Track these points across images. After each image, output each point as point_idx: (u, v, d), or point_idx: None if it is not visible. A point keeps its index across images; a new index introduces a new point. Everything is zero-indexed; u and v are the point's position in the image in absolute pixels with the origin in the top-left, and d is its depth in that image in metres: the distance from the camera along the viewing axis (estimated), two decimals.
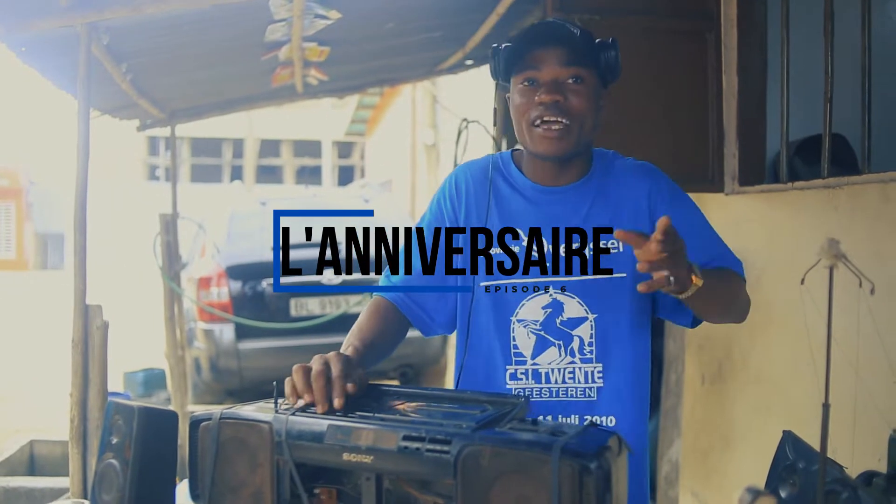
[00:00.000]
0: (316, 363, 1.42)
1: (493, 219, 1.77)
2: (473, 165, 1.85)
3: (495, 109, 1.94)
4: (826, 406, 1.03)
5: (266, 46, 3.78)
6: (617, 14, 3.00)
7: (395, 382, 6.44)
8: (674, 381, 3.67)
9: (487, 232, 1.76)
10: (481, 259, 1.76)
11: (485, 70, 1.83)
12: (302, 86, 4.82)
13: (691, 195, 3.42)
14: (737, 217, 3.19)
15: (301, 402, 1.38)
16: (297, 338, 6.20)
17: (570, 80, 1.66)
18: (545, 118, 1.66)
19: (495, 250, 1.75)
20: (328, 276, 6.51)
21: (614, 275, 1.71)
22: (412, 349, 6.37)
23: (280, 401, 1.41)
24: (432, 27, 4.26)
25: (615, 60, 1.71)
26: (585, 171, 1.78)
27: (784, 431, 1.40)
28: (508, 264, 1.74)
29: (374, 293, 1.84)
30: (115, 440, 1.61)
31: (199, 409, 1.53)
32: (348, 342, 1.66)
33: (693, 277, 1.47)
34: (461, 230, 1.79)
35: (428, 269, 1.81)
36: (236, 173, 24.27)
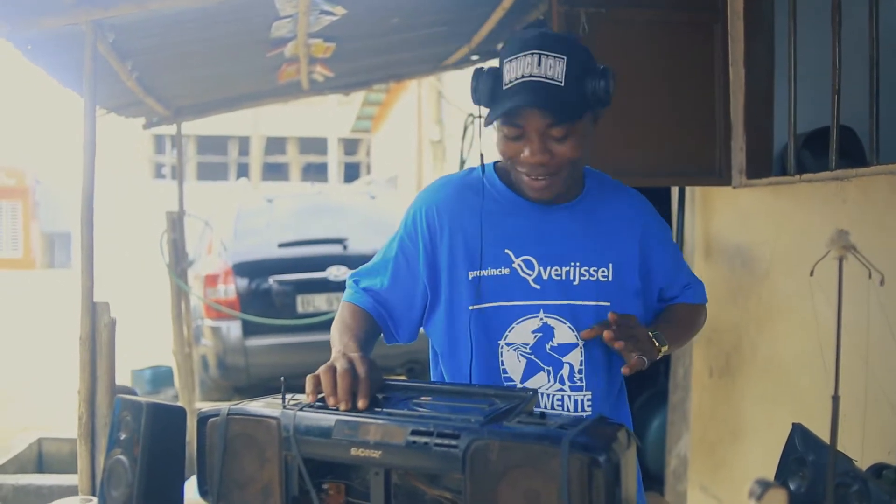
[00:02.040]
0: (340, 362, 1.42)
1: (479, 238, 1.69)
2: (450, 184, 1.77)
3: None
4: (836, 398, 1.02)
5: (271, 43, 3.78)
6: (622, 6, 2.98)
7: (403, 378, 6.44)
8: (681, 374, 3.66)
9: (475, 253, 1.68)
10: (468, 282, 1.68)
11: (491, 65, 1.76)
12: (308, 82, 4.81)
13: (698, 188, 3.44)
14: (745, 210, 3.18)
15: (330, 402, 1.36)
16: (304, 334, 6.21)
17: (557, 136, 1.58)
18: (531, 175, 1.61)
19: (484, 272, 1.68)
20: (334, 272, 6.53)
21: (600, 303, 1.68)
22: (419, 345, 6.40)
23: (288, 396, 1.41)
24: (437, 22, 4.25)
25: (606, 92, 1.58)
26: (580, 190, 1.74)
27: (793, 424, 1.40)
28: (499, 286, 1.67)
29: (345, 298, 1.80)
30: (123, 436, 1.62)
31: (207, 407, 1.53)
32: (343, 341, 1.61)
33: (658, 349, 1.65)
34: (445, 252, 1.71)
35: (401, 284, 1.75)
36: (242, 171, 24.29)
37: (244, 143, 24.43)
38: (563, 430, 1.17)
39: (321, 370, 1.41)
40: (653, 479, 3.91)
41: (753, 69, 3.08)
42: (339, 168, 24.02)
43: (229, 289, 6.53)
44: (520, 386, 1.67)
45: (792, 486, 1.34)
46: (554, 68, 1.54)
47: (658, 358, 1.65)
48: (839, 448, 1.10)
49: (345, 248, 6.70)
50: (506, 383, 1.68)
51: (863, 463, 1.37)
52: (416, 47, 4.85)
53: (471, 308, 1.68)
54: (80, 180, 2.71)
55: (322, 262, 6.56)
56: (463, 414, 1.28)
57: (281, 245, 6.81)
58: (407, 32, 4.36)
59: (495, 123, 1.63)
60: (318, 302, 6.53)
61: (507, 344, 1.68)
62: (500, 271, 1.68)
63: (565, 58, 1.55)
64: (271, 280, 6.56)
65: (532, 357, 1.67)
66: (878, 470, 1.45)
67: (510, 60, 1.57)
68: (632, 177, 3.02)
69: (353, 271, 1.86)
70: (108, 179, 16.94)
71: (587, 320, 1.66)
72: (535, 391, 1.42)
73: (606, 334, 1.55)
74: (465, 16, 4.22)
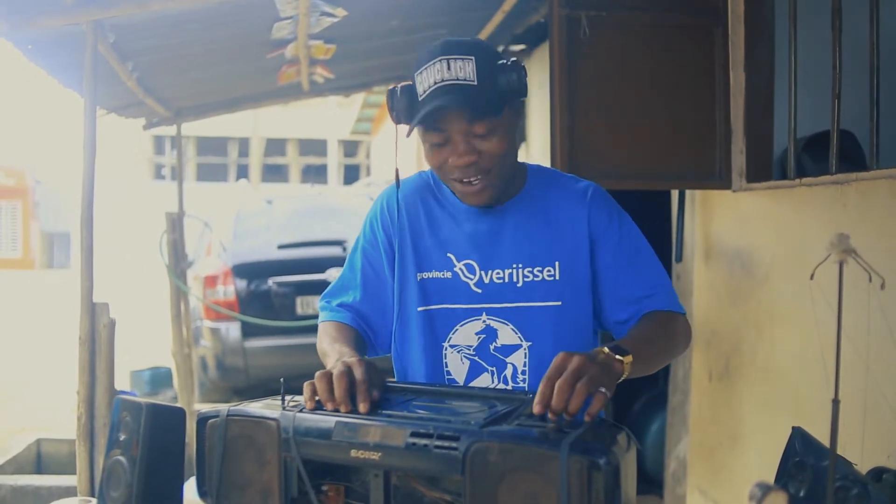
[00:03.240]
0: (336, 367, 1.41)
1: (426, 242, 1.73)
2: (405, 186, 1.79)
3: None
4: (836, 402, 1.02)
5: (272, 44, 3.78)
6: (623, 10, 2.98)
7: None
8: (681, 377, 3.66)
9: (422, 256, 1.72)
10: (416, 284, 1.71)
11: None
12: (308, 84, 4.81)
13: (698, 192, 3.44)
14: (744, 214, 3.18)
15: (328, 407, 1.35)
16: (303, 336, 6.20)
17: (480, 133, 1.58)
18: (464, 179, 1.61)
19: (429, 274, 1.71)
20: (334, 273, 6.53)
21: (549, 303, 1.67)
22: None
23: (287, 398, 1.41)
24: (438, 24, 4.26)
25: (519, 84, 1.58)
26: (521, 186, 1.73)
27: (793, 428, 1.40)
28: (442, 289, 1.70)
29: (322, 320, 1.82)
30: (122, 437, 1.61)
31: (206, 408, 1.53)
32: (336, 348, 1.62)
33: (621, 362, 1.39)
34: (396, 253, 1.75)
35: (373, 294, 1.78)
36: (242, 172, 24.29)
37: (244, 145, 24.43)
38: (563, 432, 1.17)
39: (316, 376, 1.40)
40: (652, 481, 3.91)
41: (754, 73, 3.08)
42: (339, 170, 24.02)
43: (228, 290, 6.54)
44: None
45: (792, 490, 1.33)
46: (464, 69, 1.54)
47: (627, 373, 1.40)
48: (839, 452, 1.10)
49: (344, 249, 6.70)
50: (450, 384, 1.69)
51: (863, 467, 1.36)
52: (416, 49, 4.84)
53: (418, 310, 1.71)
54: (80, 180, 2.71)
55: (321, 264, 6.56)
56: (463, 416, 1.28)
57: (280, 246, 6.81)
58: (407, 35, 4.36)
59: (421, 137, 1.64)
60: (318, 304, 6.52)
61: (451, 346, 1.70)
62: (444, 274, 1.70)
63: (473, 58, 1.55)
64: (270, 281, 6.56)
65: (476, 358, 1.69)
66: (878, 474, 1.45)
67: (420, 72, 1.58)
68: (632, 180, 3.05)
69: (323, 293, 1.88)
70: (107, 180, 16.95)
71: (536, 322, 1.67)
72: (535, 394, 1.42)
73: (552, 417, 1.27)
74: (466, 18, 4.22)
